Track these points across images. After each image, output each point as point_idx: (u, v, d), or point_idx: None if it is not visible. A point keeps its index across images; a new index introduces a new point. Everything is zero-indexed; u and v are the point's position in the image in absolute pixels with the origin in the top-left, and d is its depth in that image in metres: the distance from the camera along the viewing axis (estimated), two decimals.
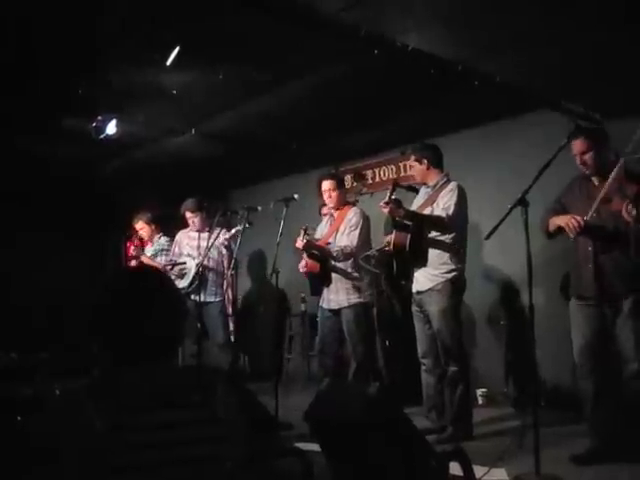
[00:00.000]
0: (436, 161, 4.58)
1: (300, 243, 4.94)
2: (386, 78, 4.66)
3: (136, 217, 6.67)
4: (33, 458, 1.44)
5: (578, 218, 3.57)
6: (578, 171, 3.85)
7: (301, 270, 5.15)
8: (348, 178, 6.95)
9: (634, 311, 3.57)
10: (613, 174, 3.51)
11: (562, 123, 4.53)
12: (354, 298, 4.90)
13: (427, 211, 4.46)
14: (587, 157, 3.72)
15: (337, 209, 5.13)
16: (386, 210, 4.35)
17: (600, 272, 3.65)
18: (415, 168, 4.61)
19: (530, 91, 4.81)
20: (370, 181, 6.98)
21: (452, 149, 5.63)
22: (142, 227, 6.65)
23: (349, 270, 4.94)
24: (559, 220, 3.71)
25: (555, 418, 4.47)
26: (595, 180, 3.75)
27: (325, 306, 5.03)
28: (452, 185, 4.45)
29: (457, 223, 4.36)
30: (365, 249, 4.94)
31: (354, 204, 5.20)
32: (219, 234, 5.84)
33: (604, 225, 3.63)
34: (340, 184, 5.18)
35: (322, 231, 5.26)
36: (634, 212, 3.31)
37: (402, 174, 6.39)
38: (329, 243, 5.01)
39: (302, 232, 4.96)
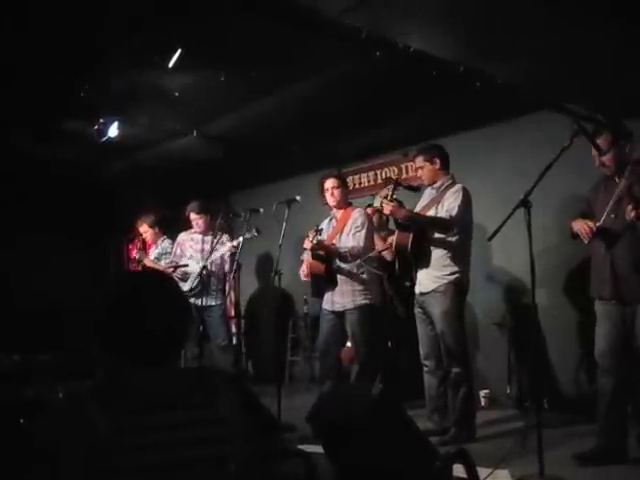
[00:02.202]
0: (445, 162, 4.57)
1: (309, 243, 4.90)
2: (388, 80, 4.66)
3: (139, 220, 6.68)
4: (36, 460, 1.44)
5: (590, 224, 3.65)
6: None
7: (302, 277, 5.13)
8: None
9: None
10: (625, 174, 3.52)
11: (565, 124, 4.53)
12: (359, 300, 4.87)
13: (431, 212, 4.45)
14: (605, 158, 3.71)
15: (338, 208, 5.12)
16: (387, 210, 4.33)
17: (616, 274, 3.66)
18: (425, 169, 4.55)
19: (532, 92, 4.81)
20: (372, 183, 6.99)
21: (454, 150, 5.62)
22: (146, 230, 6.66)
23: (355, 271, 4.92)
24: (575, 225, 3.78)
25: (558, 419, 4.47)
26: (617, 179, 3.74)
27: (329, 308, 5.00)
28: (457, 187, 4.44)
29: (460, 224, 4.35)
30: (369, 251, 4.91)
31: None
32: (221, 238, 5.84)
33: (617, 229, 3.63)
34: (343, 184, 5.17)
35: (325, 231, 5.23)
36: (633, 213, 3.32)
37: (404, 175, 6.39)
38: (333, 244, 4.99)
39: (314, 232, 4.89)
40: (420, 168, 4.61)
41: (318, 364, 5.32)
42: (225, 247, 5.81)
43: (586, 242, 3.70)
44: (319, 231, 4.97)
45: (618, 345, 3.70)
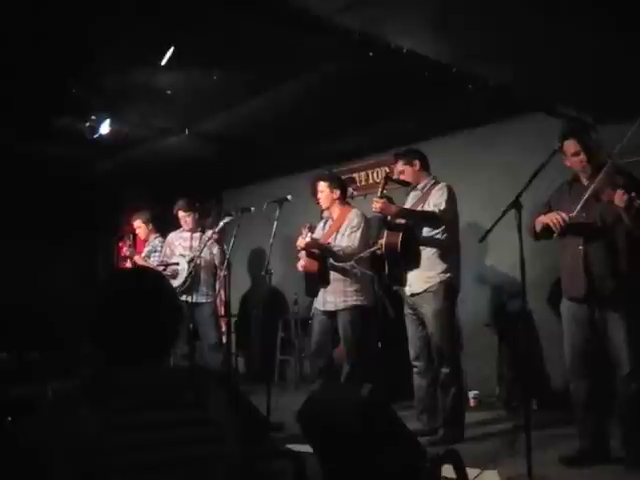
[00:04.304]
0: (425, 163, 4.61)
1: (302, 241, 4.90)
2: (380, 80, 4.67)
3: (134, 215, 6.68)
4: (23, 460, 1.43)
5: (563, 214, 3.59)
6: (568, 174, 3.87)
7: (300, 269, 5.11)
8: None
9: (625, 311, 3.58)
10: (604, 170, 3.54)
11: (556, 126, 4.56)
12: (351, 300, 4.88)
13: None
14: (579, 159, 3.74)
15: (331, 210, 5.12)
16: (378, 206, 4.33)
17: (591, 272, 3.65)
18: (406, 172, 4.60)
19: (523, 94, 4.83)
20: (364, 183, 6.99)
21: (447, 151, 5.65)
22: (139, 226, 6.65)
23: (348, 270, 4.91)
24: (544, 218, 3.71)
25: (547, 420, 4.49)
26: (584, 181, 3.76)
27: (320, 307, 5.00)
28: (441, 185, 4.48)
29: (448, 219, 4.37)
30: (362, 251, 4.91)
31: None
32: (212, 236, 5.82)
33: (590, 222, 3.64)
34: (334, 185, 5.14)
35: (320, 232, 5.23)
36: (626, 197, 3.32)
37: (395, 176, 6.40)
38: (328, 243, 4.99)
39: (306, 230, 4.88)
40: (401, 173, 4.64)
41: (308, 363, 5.32)
42: (212, 240, 5.77)
43: (556, 233, 3.61)
44: (311, 228, 4.96)
45: (588, 349, 3.71)
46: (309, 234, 4.88)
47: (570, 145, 3.74)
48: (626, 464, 3.55)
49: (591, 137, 3.83)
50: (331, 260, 4.95)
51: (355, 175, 7.05)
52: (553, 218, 3.61)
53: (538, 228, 3.78)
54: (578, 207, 3.55)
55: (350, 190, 4.88)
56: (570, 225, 3.58)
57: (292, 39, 3.98)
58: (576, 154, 3.73)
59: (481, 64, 4.29)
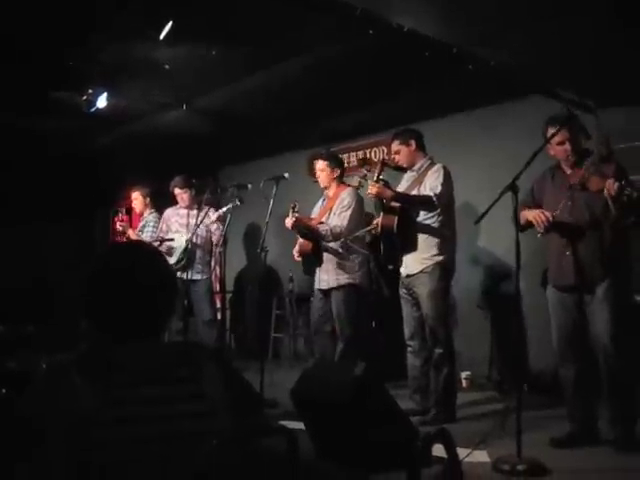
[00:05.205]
0: (421, 144, 4.59)
1: (290, 222, 4.91)
2: (380, 59, 4.64)
3: (135, 187, 6.67)
4: (18, 432, 1.44)
5: (547, 214, 3.62)
6: (552, 161, 3.87)
7: (296, 257, 5.13)
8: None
9: (608, 294, 3.60)
10: (590, 160, 3.54)
11: (555, 109, 4.53)
12: (343, 279, 4.89)
13: (414, 193, 4.46)
14: (563, 148, 3.74)
15: (329, 188, 5.12)
16: (374, 191, 4.33)
17: (578, 260, 3.66)
18: (402, 152, 4.58)
19: (524, 77, 4.81)
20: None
21: (444, 132, 5.63)
22: (137, 197, 6.66)
23: (340, 251, 4.93)
24: (528, 214, 3.73)
25: (537, 402, 4.53)
26: (567, 169, 3.78)
27: (317, 286, 5.04)
28: (437, 166, 4.47)
29: (444, 202, 4.37)
30: (356, 230, 4.91)
31: (358, 187, 5.11)
32: (208, 212, 5.82)
33: (575, 216, 3.65)
34: (334, 164, 5.12)
35: (317, 210, 5.23)
36: (616, 185, 3.32)
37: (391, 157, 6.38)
38: (322, 222, 4.98)
39: (290, 210, 4.91)
40: (397, 153, 4.62)
41: (302, 341, 5.35)
42: (209, 219, 5.80)
43: (540, 232, 3.66)
44: (295, 207, 4.94)
45: (575, 334, 3.74)
46: (295, 213, 4.88)
47: (560, 132, 3.73)
48: (615, 446, 3.59)
49: (577, 126, 3.82)
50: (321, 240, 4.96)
51: (353, 154, 7.04)
52: (537, 217, 3.64)
53: (522, 222, 3.78)
54: (560, 207, 3.59)
55: (364, 171, 4.85)
56: (554, 223, 3.62)
57: (292, 16, 3.95)
58: (561, 143, 3.73)
59: (482, 45, 4.26)
